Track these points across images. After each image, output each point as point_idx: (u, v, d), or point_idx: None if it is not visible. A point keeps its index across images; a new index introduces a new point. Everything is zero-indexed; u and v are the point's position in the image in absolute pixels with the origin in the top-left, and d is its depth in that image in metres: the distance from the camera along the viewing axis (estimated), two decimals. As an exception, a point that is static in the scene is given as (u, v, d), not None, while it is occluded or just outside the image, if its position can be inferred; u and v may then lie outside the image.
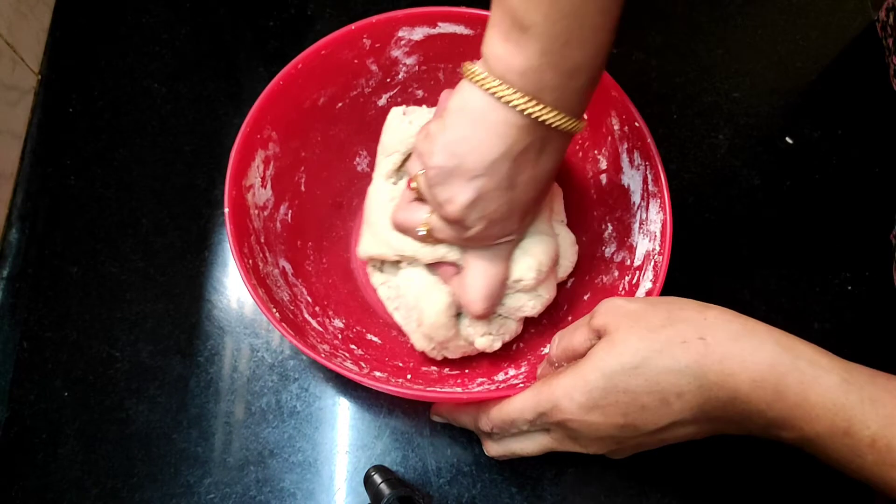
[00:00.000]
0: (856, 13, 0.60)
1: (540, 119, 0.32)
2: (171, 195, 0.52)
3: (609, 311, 0.34)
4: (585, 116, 0.36)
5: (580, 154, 0.49)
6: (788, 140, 0.55)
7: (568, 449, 0.36)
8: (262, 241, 0.43)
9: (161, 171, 0.52)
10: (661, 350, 0.32)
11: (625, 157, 0.45)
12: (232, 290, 0.49)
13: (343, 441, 0.45)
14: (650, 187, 0.43)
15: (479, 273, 0.40)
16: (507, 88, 0.32)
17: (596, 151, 0.47)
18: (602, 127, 0.46)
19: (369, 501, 0.40)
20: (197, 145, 0.53)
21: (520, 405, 0.36)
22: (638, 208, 0.44)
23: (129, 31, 0.57)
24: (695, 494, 0.44)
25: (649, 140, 0.42)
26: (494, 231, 0.37)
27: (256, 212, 0.43)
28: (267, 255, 0.43)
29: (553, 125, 0.33)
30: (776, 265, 0.51)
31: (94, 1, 0.58)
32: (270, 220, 0.45)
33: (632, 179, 0.44)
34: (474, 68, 0.33)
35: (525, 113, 0.32)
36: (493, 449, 0.40)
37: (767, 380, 0.30)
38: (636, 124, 0.43)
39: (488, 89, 0.32)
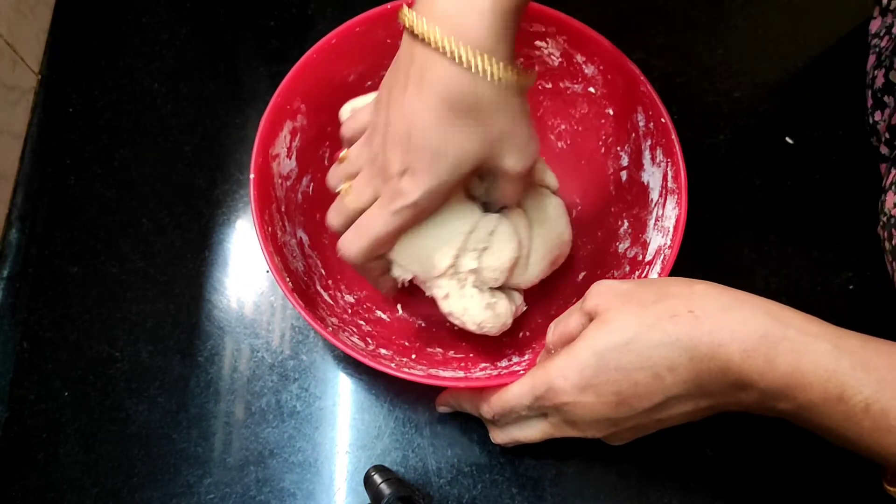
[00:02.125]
0: (857, 13, 0.60)
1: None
2: (171, 195, 0.52)
3: (600, 292, 0.35)
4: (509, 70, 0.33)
5: (603, 150, 0.49)
6: (789, 140, 0.55)
7: (567, 434, 0.36)
8: (283, 210, 0.44)
9: (161, 171, 0.52)
10: (652, 325, 0.32)
11: (647, 154, 0.45)
12: (232, 290, 0.49)
13: (343, 441, 0.45)
14: (669, 184, 0.43)
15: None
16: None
17: (619, 148, 0.48)
18: (627, 123, 0.46)
19: (369, 501, 0.40)
20: (197, 145, 0.53)
21: (517, 391, 0.36)
22: (655, 205, 0.44)
23: (130, 30, 0.57)
24: (694, 495, 0.44)
25: (674, 136, 0.42)
26: (390, 157, 0.35)
27: (280, 181, 0.44)
28: (286, 224, 0.44)
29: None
30: (776, 265, 0.51)
31: (95, 1, 0.58)
32: (292, 190, 0.46)
33: (652, 176, 0.45)
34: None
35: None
36: (497, 436, 0.40)
37: (758, 349, 0.30)
38: (662, 120, 0.43)
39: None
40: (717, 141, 0.55)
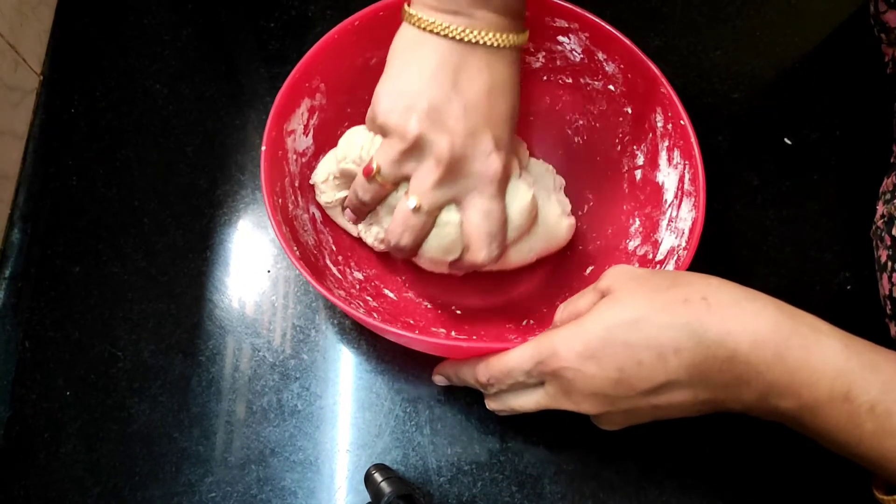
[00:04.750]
0: (854, 14, 0.60)
1: (454, 37, 0.36)
2: (172, 195, 0.52)
3: (615, 274, 0.35)
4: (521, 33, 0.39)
5: (619, 148, 0.49)
6: (787, 141, 0.56)
7: (561, 406, 0.36)
8: (297, 185, 0.45)
9: (163, 172, 0.53)
10: (663, 307, 0.32)
11: (664, 155, 0.45)
12: (234, 289, 0.49)
13: (344, 440, 0.45)
14: (686, 186, 0.43)
15: (474, 215, 0.39)
16: (427, 16, 0.36)
17: (635, 147, 0.48)
18: (645, 123, 0.46)
19: (370, 500, 0.41)
20: (198, 146, 0.54)
21: (519, 354, 0.36)
22: (669, 206, 0.44)
23: (131, 32, 0.58)
24: (693, 493, 0.44)
25: (693, 140, 0.43)
26: (465, 143, 0.37)
27: (295, 156, 0.45)
28: (299, 199, 0.45)
29: (472, 41, 0.37)
30: (776, 265, 0.51)
31: (96, 2, 0.58)
32: (307, 167, 0.47)
33: (667, 177, 0.45)
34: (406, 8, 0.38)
35: (442, 34, 0.36)
36: (492, 403, 0.40)
37: (768, 341, 0.30)
38: (682, 123, 0.43)
39: (413, 22, 0.37)
40: (716, 142, 0.56)
